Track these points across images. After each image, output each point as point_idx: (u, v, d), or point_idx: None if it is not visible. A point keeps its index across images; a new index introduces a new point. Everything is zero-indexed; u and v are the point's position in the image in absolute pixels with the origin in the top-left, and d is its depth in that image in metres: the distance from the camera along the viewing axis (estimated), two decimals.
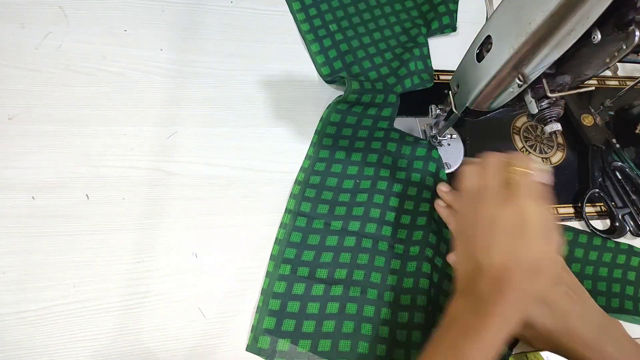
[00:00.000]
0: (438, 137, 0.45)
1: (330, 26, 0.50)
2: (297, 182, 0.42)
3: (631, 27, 0.23)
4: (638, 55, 0.56)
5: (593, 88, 0.38)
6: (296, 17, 0.50)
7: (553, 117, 0.32)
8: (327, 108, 0.46)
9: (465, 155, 0.47)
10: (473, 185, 0.34)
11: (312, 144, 0.44)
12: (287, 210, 0.41)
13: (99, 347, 0.34)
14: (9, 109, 0.41)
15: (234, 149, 0.43)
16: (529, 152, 0.48)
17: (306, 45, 0.49)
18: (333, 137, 0.44)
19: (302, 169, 0.43)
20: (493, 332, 0.28)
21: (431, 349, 0.30)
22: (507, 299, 0.29)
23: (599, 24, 0.24)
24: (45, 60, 0.43)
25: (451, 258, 0.36)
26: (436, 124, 0.45)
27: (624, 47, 0.24)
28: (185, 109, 0.44)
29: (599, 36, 0.24)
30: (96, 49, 0.45)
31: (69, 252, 0.36)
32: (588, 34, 0.25)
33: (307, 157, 0.43)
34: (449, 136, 0.45)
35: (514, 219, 0.30)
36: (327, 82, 0.47)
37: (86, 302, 0.35)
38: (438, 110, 0.43)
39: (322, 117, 0.45)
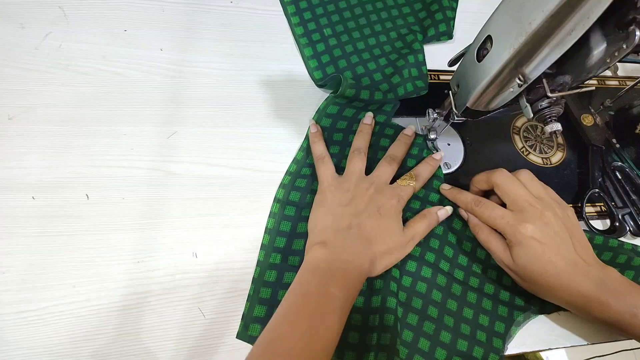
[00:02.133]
0: (437, 139, 0.45)
1: (324, 30, 0.49)
2: (287, 172, 0.42)
3: (631, 27, 0.24)
4: (638, 55, 0.56)
5: (593, 88, 0.38)
6: (290, 20, 0.50)
7: (553, 116, 0.32)
8: (324, 100, 0.46)
9: (465, 155, 0.47)
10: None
11: (307, 137, 0.44)
12: (276, 200, 0.41)
13: (99, 347, 0.34)
14: (9, 109, 0.41)
15: (234, 149, 0.43)
16: (529, 152, 0.48)
17: (299, 49, 0.49)
18: (328, 130, 0.44)
19: (294, 161, 0.43)
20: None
21: (297, 287, 0.33)
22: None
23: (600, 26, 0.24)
24: (45, 60, 0.43)
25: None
26: (433, 127, 0.45)
27: (624, 47, 0.25)
28: (185, 109, 0.44)
29: (590, 47, 0.25)
30: (96, 49, 0.45)
31: (69, 252, 0.36)
32: (586, 35, 0.25)
33: (301, 149, 0.44)
34: (447, 144, 0.46)
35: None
36: (319, 86, 0.47)
37: (86, 302, 0.35)
38: (435, 114, 0.43)
39: (318, 109, 0.45)
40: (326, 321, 0.31)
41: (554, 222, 0.36)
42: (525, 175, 0.39)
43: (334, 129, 0.44)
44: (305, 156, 0.43)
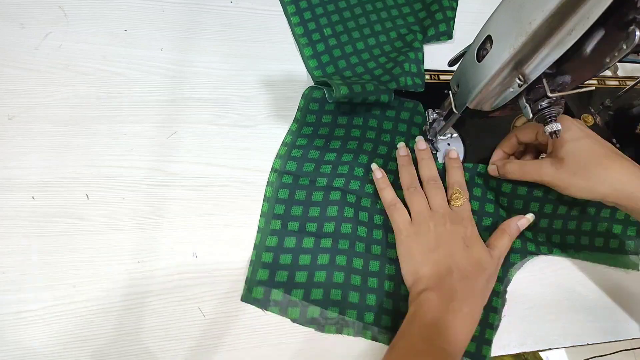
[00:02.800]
0: (438, 137, 0.45)
1: (324, 30, 0.49)
2: (283, 144, 0.43)
3: (631, 27, 0.24)
4: (638, 55, 0.56)
5: (593, 88, 0.38)
6: (290, 20, 0.50)
7: (553, 116, 0.32)
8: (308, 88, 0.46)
9: (465, 154, 0.47)
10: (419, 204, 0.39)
11: (300, 109, 0.45)
12: (273, 170, 0.42)
13: (99, 347, 0.34)
14: (9, 109, 0.41)
15: (234, 149, 0.43)
16: None
17: (299, 49, 0.49)
18: (319, 101, 0.45)
19: (289, 132, 0.44)
20: (461, 327, 0.33)
21: (402, 341, 0.33)
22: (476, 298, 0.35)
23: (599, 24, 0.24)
24: (45, 60, 0.43)
25: None
26: (433, 128, 0.45)
27: (624, 47, 0.25)
28: (185, 109, 0.44)
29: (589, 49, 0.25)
30: (96, 49, 0.45)
31: (69, 252, 0.36)
32: (586, 35, 0.25)
33: (295, 120, 0.45)
34: (449, 135, 0.45)
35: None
36: (317, 84, 0.46)
37: (86, 302, 0.35)
38: (435, 115, 0.43)
39: (303, 94, 0.46)
40: None
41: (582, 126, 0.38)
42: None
43: (323, 110, 0.45)
44: (300, 127, 0.44)
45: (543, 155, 0.42)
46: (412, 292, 0.36)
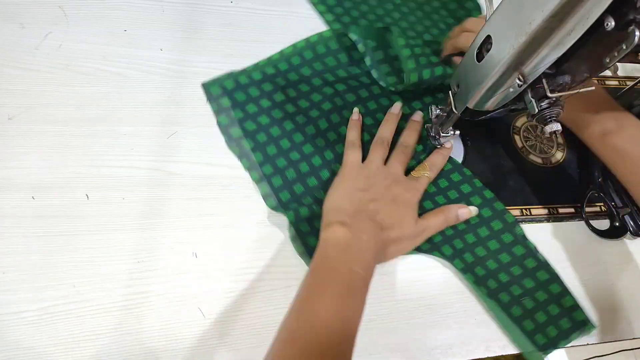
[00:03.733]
0: (441, 134, 0.45)
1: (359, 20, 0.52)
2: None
3: (631, 27, 0.23)
4: (638, 55, 0.56)
5: (593, 88, 0.38)
6: (324, 17, 0.52)
7: (553, 116, 0.32)
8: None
9: (465, 154, 0.47)
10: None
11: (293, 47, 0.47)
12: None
13: (99, 347, 0.34)
14: (9, 109, 0.41)
15: None
16: (529, 152, 0.48)
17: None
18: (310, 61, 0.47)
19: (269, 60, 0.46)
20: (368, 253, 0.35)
21: (322, 264, 0.34)
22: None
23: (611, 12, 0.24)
24: (45, 60, 0.43)
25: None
26: (435, 124, 0.45)
27: (624, 47, 0.24)
28: (185, 109, 0.44)
29: (613, 23, 0.24)
30: (96, 49, 0.45)
31: (69, 252, 0.36)
32: (591, 29, 0.25)
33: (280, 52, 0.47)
34: (452, 132, 0.45)
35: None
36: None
37: (86, 302, 0.35)
38: (438, 111, 0.43)
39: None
40: (354, 299, 0.32)
41: None
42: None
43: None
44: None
45: None
46: (323, 222, 0.37)
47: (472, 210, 0.41)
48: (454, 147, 0.47)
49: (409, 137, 0.43)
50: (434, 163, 0.42)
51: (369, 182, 0.39)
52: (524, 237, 0.42)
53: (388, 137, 0.43)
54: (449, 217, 0.40)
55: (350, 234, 0.35)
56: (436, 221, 0.40)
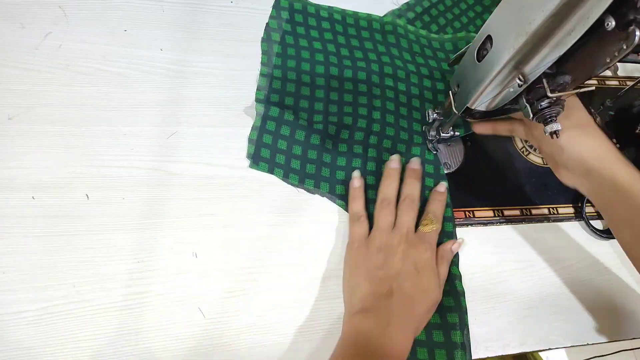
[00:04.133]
0: (441, 134, 0.45)
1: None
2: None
3: (631, 27, 0.23)
4: (638, 55, 0.56)
5: (593, 88, 0.38)
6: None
7: (553, 116, 0.32)
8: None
9: (466, 155, 0.47)
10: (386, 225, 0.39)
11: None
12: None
13: (99, 347, 0.34)
14: (9, 109, 0.41)
15: (234, 149, 0.43)
16: (529, 152, 0.48)
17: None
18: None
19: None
20: (395, 352, 0.33)
21: None
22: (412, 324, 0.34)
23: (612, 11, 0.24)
24: (45, 60, 0.43)
25: None
26: (433, 128, 0.45)
27: (624, 47, 0.25)
28: (185, 109, 0.44)
29: (613, 23, 0.24)
30: (96, 49, 0.45)
31: (69, 252, 0.36)
32: (591, 29, 0.25)
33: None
34: (452, 132, 0.45)
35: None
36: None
37: (86, 302, 0.35)
38: (435, 115, 0.43)
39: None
40: None
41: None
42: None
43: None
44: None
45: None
46: (347, 310, 0.36)
47: (460, 242, 0.41)
48: (454, 147, 0.47)
49: (412, 187, 0.41)
50: (436, 213, 0.40)
51: (383, 256, 0.36)
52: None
53: (392, 196, 0.40)
54: (449, 258, 0.39)
55: (374, 328, 0.33)
56: (444, 269, 0.38)
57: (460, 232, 0.42)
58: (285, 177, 0.42)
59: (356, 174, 0.42)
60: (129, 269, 0.36)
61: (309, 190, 0.42)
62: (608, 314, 0.41)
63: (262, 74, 0.46)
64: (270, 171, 0.42)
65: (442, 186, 0.42)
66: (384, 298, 0.34)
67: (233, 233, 0.39)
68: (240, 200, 0.41)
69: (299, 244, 0.40)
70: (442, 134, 0.44)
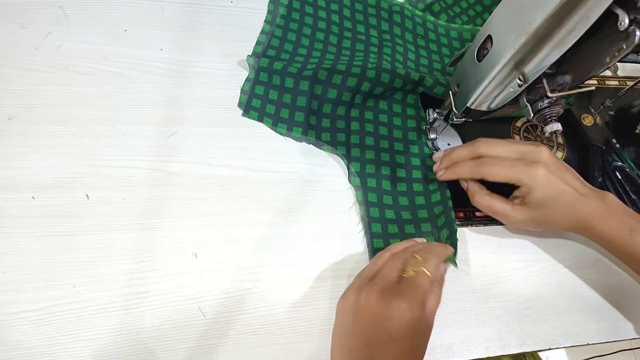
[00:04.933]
0: (437, 139, 0.45)
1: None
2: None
3: (631, 27, 0.24)
4: (638, 55, 0.56)
5: (593, 88, 0.39)
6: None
7: (553, 116, 0.32)
8: None
9: None
10: (372, 268, 0.34)
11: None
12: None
13: (99, 347, 0.34)
14: (9, 109, 0.41)
15: (234, 149, 0.43)
16: None
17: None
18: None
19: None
20: None
21: None
22: None
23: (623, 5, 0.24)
24: (45, 60, 0.43)
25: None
26: (434, 128, 0.45)
27: (624, 47, 0.25)
28: (185, 109, 0.44)
29: (627, 21, 0.24)
30: (96, 49, 0.45)
31: (69, 252, 0.36)
32: (591, 29, 0.25)
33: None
34: (447, 144, 0.45)
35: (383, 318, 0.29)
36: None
37: (86, 302, 0.35)
38: (435, 114, 0.43)
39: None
40: None
41: (551, 157, 0.37)
42: (491, 139, 0.39)
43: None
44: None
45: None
46: None
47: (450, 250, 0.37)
48: (454, 147, 0.47)
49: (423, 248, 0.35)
50: (427, 256, 0.33)
51: (354, 317, 0.31)
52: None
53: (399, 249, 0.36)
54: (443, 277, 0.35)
55: None
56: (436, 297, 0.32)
57: (460, 232, 0.42)
58: (274, 126, 0.44)
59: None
60: (129, 269, 0.36)
61: (296, 139, 0.44)
62: (608, 314, 0.41)
63: (263, 31, 0.49)
64: (260, 120, 0.44)
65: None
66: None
67: (233, 233, 0.39)
68: (240, 200, 0.41)
69: (299, 244, 0.40)
70: (437, 135, 0.44)
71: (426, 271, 0.32)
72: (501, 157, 0.38)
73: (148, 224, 0.38)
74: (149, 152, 0.41)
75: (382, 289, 0.31)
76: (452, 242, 0.39)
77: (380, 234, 0.40)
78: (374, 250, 0.39)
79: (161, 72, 0.45)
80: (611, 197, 0.37)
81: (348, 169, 0.43)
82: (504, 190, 0.39)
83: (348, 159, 0.43)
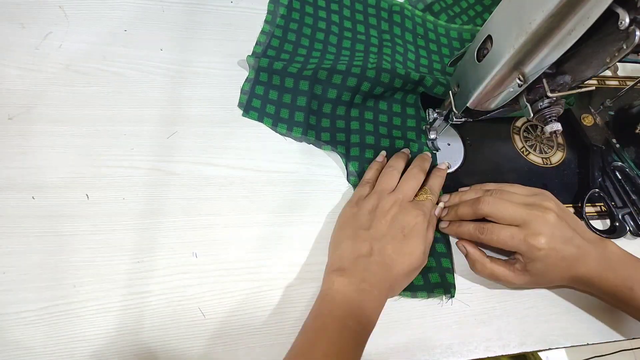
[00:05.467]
0: (437, 139, 0.45)
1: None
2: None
3: (631, 27, 0.24)
4: (638, 55, 0.56)
5: (593, 88, 0.39)
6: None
7: (553, 116, 0.32)
8: None
9: (465, 155, 0.47)
10: (387, 182, 0.40)
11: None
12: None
13: (99, 347, 0.34)
14: (9, 109, 0.41)
15: (234, 149, 0.43)
16: (529, 152, 0.48)
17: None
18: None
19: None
20: (370, 307, 0.34)
21: (313, 322, 0.33)
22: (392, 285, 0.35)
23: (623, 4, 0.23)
24: (45, 60, 0.43)
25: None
26: (434, 127, 0.45)
27: (624, 47, 0.25)
28: (185, 109, 0.44)
29: (627, 20, 0.24)
30: (96, 49, 0.45)
31: (69, 252, 0.36)
32: (591, 30, 0.25)
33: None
34: (447, 144, 0.45)
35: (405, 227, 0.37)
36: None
37: (86, 302, 0.35)
38: (435, 114, 0.43)
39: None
40: (341, 356, 0.31)
41: (555, 220, 0.36)
42: (505, 188, 0.40)
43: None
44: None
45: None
46: (327, 267, 0.37)
47: (441, 205, 0.41)
48: (454, 147, 0.47)
49: (423, 161, 0.42)
50: (434, 187, 0.41)
51: (372, 218, 0.37)
52: None
53: (399, 167, 0.41)
54: (434, 223, 0.40)
55: (348, 285, 0.34)
56: (431, 234, 0.39)
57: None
58: (274, 126, 0.44)
59: (383, 153, 0.44)
60: (129, 269, 0.36)
61: (296, 139, 0.44)
62: (608, 314, 0.41)
63: (263, 31, 0.49)
64: (260, 120, 0.44)
65: (444, 164, 0.43)
66: (363, 257, 0.35)
67: (233, 233, 0.39)
68: (240, 200, 0.41)
69: (299, 244, 0.40)
70: (437, 135, 0.44)
71: (433, 198, 0.40)
72: (504, 221, 0.37)
73: (148, 224, 0.38)
74: (149, 152, 0.41)
75: (402, 200, 0.38)
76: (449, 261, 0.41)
77: None
78: None
79: (161, 72, 0.45)
80: (611, 247, 0.37)
81: (346, 167, 0.43)
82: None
83: (347, 158, 0.43)
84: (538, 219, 0.36)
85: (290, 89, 0.44)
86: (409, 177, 0.40)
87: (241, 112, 0.45)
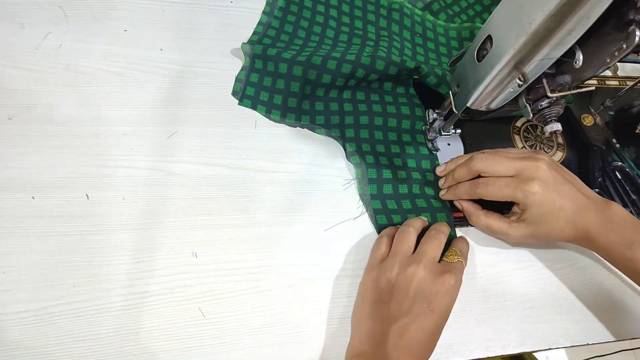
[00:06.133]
0: (442, 133, 0.45)
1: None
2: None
3: (631, 27, 0.24)
4: (638, 55, 0.56)
5: (593, 88, 0.39)
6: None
7: (553, 116, 0.32)
8: None
9: (465, 154, 0.47)
10: (402, 244, 0.36)
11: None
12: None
13: (99, 347, 0.34)
14: (9, 109, 0.41)
15: (234, 149, 0.43)
16: None
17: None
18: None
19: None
20: None
21: None
22: None
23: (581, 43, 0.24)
24: (45, 60, 0.43)
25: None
26: (433, 128, 0.45)
27: (624, 47, 0.25)
28: (185, 109, 0.44)
29: (581, 59, 0.26)
30: (96, 49, 0.45)
31: (69, 252, 0.36)
32: (591, 29, 0.25)
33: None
34: (453, 131, 0.44)
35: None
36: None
37: (86, 302, 0.35)
38: (435, 115, 0.43)
39: None
40: None
41: (548, 167, 0.37)
42: (492, 150, 0.40)
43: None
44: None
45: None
46: (348, 349, 0.35)
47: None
48: (454, 147, 0.47)
49: (441, 226, 0.38)
50: (462, 249, 0.38)
51: (391, 286, 0.33)
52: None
53: (418, 226, 0.38)
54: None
55: None
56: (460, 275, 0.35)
57: (460, 232, 0.42)
58: (268, 113, 0.44)
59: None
60: (129, 269, 0.36)
61: (290, 124, 0.45)
62: (608, 314, 0.41)
63: (260, 22, 0.49)
64: (254, 107, 0.45)
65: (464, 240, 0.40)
66: (382, 346, 0.32)
67: (233, 233, 0.39)
68: (240, 200, 0.41)
69: (299, 244, 0.40)
70: (442, 133, 0.44)
71: (464, 262, 0.37)
72: (497, 174, 0.37)
73: (148, 224, 0.38)
74: (149, 152, 0.41)
75: (427, 264, 0.34)
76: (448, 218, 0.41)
77: (380, 209, 0.41)
78: (378, 227, 0.40)
79: (161, 72, 0.45)
80: (615, 208, 0.36)
81: (344, 148, 0.43)
82: (505, 204, 0.39)
83: (343, 139, 0.44)
84: (531, 167, 0.36)
85: (284, 75, 0.44)
86: (429, 237, 0.36)
87: (241, 111, 0.45)
